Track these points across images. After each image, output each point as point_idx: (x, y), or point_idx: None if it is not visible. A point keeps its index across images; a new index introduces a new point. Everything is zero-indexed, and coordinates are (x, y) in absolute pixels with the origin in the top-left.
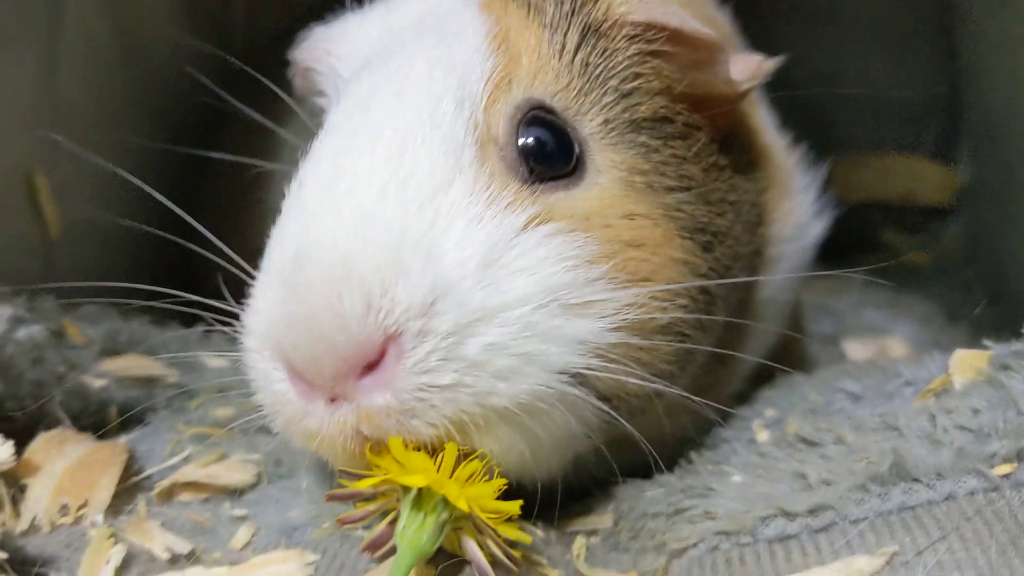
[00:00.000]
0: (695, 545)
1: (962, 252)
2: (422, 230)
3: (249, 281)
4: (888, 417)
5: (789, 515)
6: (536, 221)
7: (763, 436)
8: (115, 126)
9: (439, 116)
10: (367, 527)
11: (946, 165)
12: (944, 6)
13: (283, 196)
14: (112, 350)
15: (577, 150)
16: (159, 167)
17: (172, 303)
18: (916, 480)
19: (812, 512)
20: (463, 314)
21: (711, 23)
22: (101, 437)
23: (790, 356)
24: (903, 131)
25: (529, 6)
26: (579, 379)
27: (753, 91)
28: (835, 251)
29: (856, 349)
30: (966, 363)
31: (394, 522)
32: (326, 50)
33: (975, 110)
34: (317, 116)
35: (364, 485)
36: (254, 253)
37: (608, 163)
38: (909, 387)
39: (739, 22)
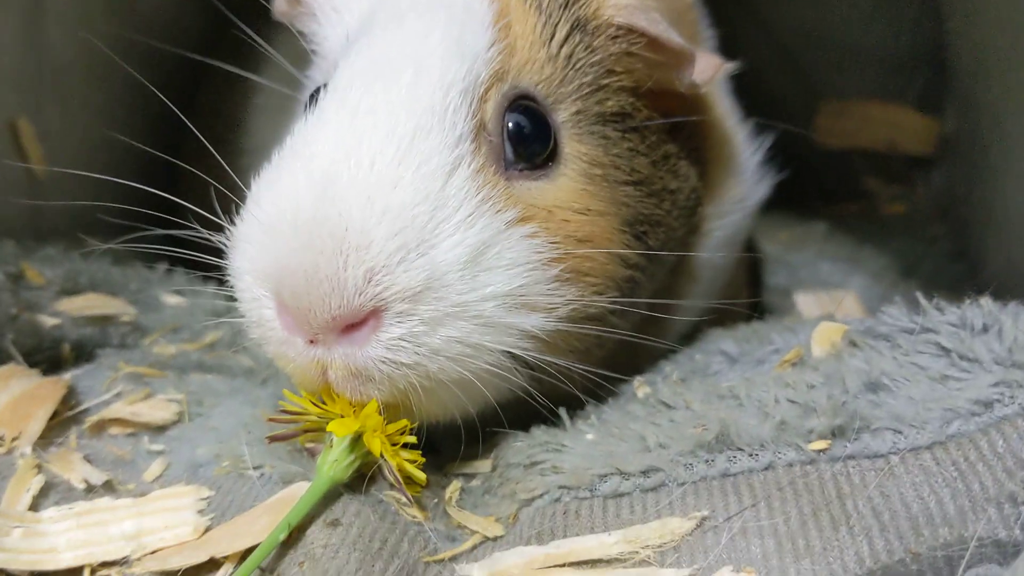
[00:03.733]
0: (541, 496)
1: (936, 205)
2: (427, 219)
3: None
4: (736, 386)
5: (624, 474)
6: (515, 220)
7: (642, 392)
8: (102, 75)
9: (449, 104)
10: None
11: (930, 116)
12: None
13: (263, 137)
14: (71, 290)
15: (554, 138)
16: (148, 111)
17: (147, 240)
18: (740, 449)
19: (644, 473)
20: (441, 306)
21: (683, 18)
22: (53, 373)
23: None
24: (888, 80)
25: None
26: (513, 355)
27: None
28: (816, 196)
29: (807, 303)
30: (825, 336)
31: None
32: None
33: (956, 65)
34: (296, 43)
35: (303, 422)
36: (231, 191)
37: (574, 153)
38: (777, 354)
39: None
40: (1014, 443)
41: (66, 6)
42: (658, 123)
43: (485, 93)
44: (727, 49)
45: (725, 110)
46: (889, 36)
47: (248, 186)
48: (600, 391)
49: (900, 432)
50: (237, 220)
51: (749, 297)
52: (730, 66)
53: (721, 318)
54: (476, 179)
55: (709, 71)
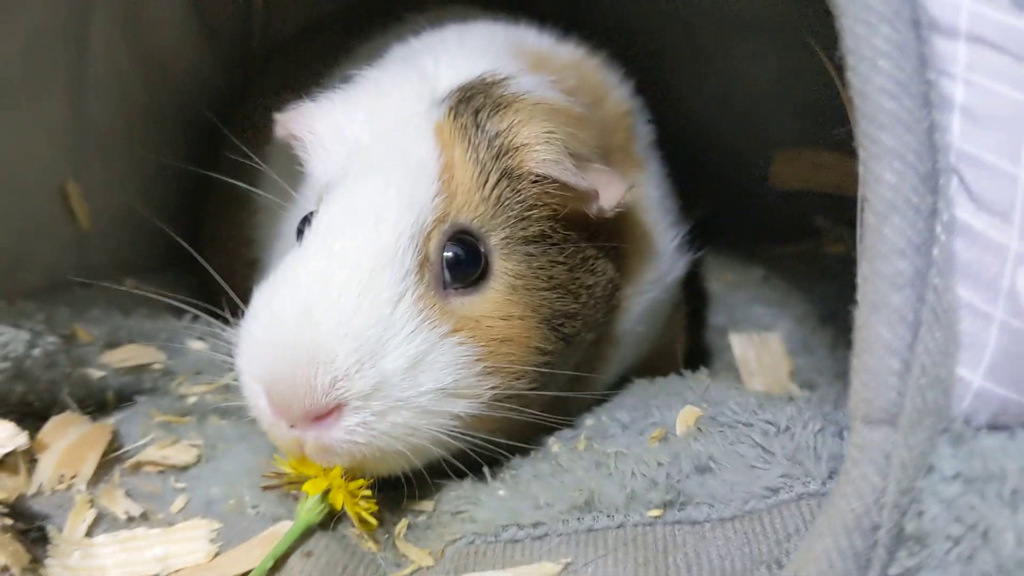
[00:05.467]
0: (461, 539)
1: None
2: (378, 338)
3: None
4: (611, 456)
5: (520, 526)
6: (449, 333)
7: (555, 449)
8: (139, 135)
9: (400, 246)
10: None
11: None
12: None
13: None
14: (113, 343)
15: (483, 261)
16: (176, 165)
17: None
18: (601, 512)
19: (534, 525)
20: (388, 401)
21: (616, 128)
22: (99, 415)
23: (662, 365)
24: (828, 130)
25: (469, 143)
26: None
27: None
28: (770, 235)
29: (740, 343)
30: (685, 419)
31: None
32: (313, 128)
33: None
34: (291, 163)
35: (286, 479)
36: (242, 248)
37: (502, 270)
38: (654, 427)
39: (661, 33)
40: (787, 521)
41: (105, 78)
42: (573, 240)
43: (429, 234)
44: (684, 105)
45: (647, 204)
46: (806, 90)
47: (263, 240)
48: (530, 442)
49: (713, 506)
50: (243, 322)
51: (687, 340)
52: (630, 188)
53: (657, 362)
54: (419, 303)
55: (614, 198)
